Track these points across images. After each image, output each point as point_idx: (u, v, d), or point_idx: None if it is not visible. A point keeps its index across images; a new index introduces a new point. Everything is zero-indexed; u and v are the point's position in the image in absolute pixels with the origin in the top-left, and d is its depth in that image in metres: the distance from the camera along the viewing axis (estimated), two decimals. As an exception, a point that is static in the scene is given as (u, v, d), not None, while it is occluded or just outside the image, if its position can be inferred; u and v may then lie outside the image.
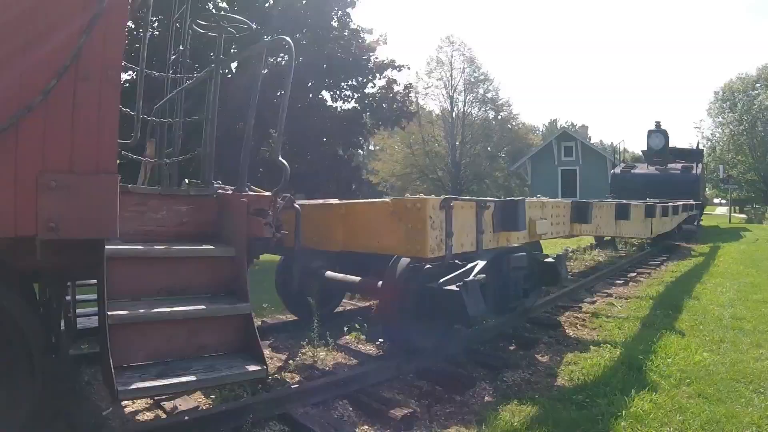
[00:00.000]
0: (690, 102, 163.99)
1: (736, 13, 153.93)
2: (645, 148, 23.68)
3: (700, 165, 22.00)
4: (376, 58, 23.91)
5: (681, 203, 14.83)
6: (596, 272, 11.89)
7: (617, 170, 22.65)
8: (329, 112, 23.14)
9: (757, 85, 47.42)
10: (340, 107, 23.54)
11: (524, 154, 42.09)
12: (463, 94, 50.32)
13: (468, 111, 51.19)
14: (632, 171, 22.24)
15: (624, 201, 10.62)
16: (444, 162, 50.45)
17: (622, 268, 12.63)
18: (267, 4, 21.72)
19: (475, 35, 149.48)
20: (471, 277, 5.00)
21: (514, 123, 54.23)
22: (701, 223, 32.84)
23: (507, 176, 49.36)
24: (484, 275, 5.26)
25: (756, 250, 16.15)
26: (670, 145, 25.82)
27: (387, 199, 4.99)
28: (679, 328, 7.13)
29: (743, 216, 44.80)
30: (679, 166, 21.60)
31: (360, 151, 27.34)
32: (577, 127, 52.48)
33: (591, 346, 6.39)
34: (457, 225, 4.69)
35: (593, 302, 8.99)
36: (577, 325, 7.58)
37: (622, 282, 10.84)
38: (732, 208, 57.88)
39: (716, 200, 69.88)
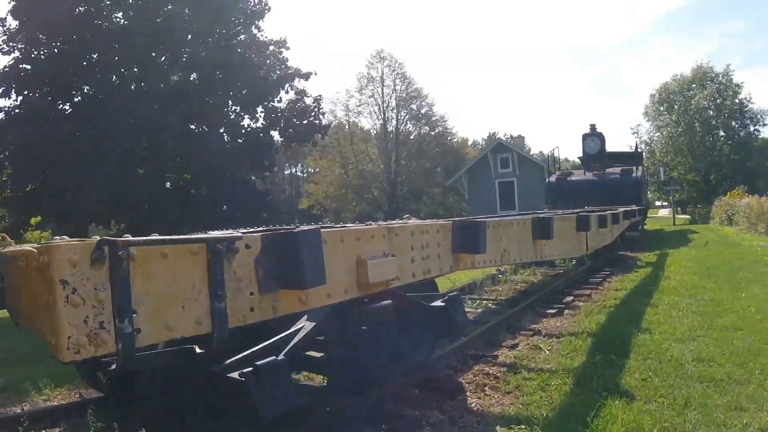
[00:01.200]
0: (629, 106, 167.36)
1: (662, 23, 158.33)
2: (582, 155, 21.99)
3: (640, 168, 20.33)
4: (283, 66, 21.68)
5: (622, 210, 12.93)
6: (526, 299, 9.81)
7: (552, 179, 20.85)
8: (232, 130, 20.75)
9: (693, 85, 47.02)
10: (247, 125, 21.13)
11: (461, 168, 40.28)
12: (396, 110, 48.46)
13: (402, 128, 49.34)
14: (568, 178, 20.45)
15: (545, 213, 8.46)
16: (379, 181, 48.31)
17: (557, 291, 10.59)
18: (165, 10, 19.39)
19: (407, 51, 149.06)
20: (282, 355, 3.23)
21: (450, 138, 52.68)
22: (645, 227, 31.71)
23: (444, 192, 47.41)
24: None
25: (708, 256, 14.33)
26: (608, 149, 24.32)
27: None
28: (625, 386, 5.02)
29: (687, 216, 44.01)
30: (618, 170, 19.89)
31: (267, 173, 24.75)
32: (513, 138, 51.04)
33: (498, 429, 4.17)
34: (157, 290, 2.33)
35: (515, 345, 6.84)
36: (486, 388, 5.41)
37: (555, 311, 8.70)
38: (675, 208, 57.63)
39: (658, 202, 69.82)
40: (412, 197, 49.65)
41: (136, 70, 19.49)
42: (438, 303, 5.11)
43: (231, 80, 20.30)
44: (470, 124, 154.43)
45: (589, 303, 9.33)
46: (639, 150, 22.31)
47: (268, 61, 21.54)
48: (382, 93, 48.56)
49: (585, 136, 21.06)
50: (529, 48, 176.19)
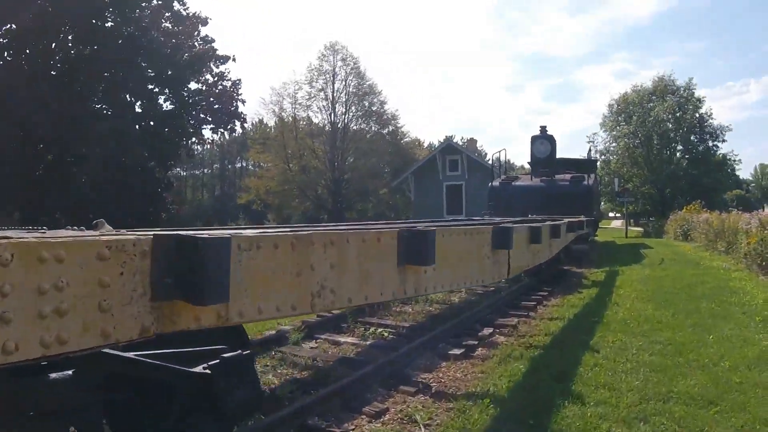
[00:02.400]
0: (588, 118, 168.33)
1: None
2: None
3: (592, 176, 18.29)
4: (205, 45, 19.05)
5: (565, 221, 10.77)
6: (434, 327, 7.58)
7: (495, 183, 18.74)
8: (137, 112, 18.06)
9: (653, 97, 45.63)
10: (152, 109, 18.44)
11: (408, 169, 38.07)
12: (346, 106, 46.02)
13: (352, 124, 46.94)
14: (513, 183, 18.36)
15: (429, 224, 6.03)
16: (324, 178, 45.79)
17: (478, 317, 8.38)
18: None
19: (365, 47, 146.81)
20: None
21: (401, 138, 50.39)
22: (596, 238, 29.93)
23: (392, 193, 45.13)
24: None
25: (664, 277, 12.28)
26: (561, 155, 22.43)
27: None
28: None
29: (640, 229, 42.69)
30: (568, 177, 17.86)
31: (171, 162, 22.05)
32: (465, 141, 49.08)
33: None
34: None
35: (380, 413, 4.58)
36: None
37: (462, 350, 6.41)
38: (628, 221, 56.51)
39: (611, 213, 68.93)
40: (359, 197, 47.25)
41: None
42: (199, 369, 2.89)
43: (136, 55, 17.58)
44: (429, 127, 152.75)
45: (512, 339, 7.08)
46: (593, 158, 20.18)
47: (182, 37, 18.85)
48: (333, 87, 46.10)
49: (534, 139, 19.00)
50: (494, 55, 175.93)
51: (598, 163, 45.10)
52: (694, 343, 6.39)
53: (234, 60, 19.35)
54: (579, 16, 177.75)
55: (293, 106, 45.73)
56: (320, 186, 46.07)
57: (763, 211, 66.66)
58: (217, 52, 18.65)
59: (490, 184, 19.30)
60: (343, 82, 46.25)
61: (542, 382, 5.16)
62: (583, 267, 15.09)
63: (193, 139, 21.98)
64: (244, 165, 66.87)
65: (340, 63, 46.42)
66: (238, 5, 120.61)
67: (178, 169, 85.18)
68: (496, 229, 5.62)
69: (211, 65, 19.24)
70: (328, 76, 46.24)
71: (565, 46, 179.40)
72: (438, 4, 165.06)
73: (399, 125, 49.65)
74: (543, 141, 18.82)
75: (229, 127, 20.52)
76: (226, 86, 19.19)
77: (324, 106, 46.14)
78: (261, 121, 50.16)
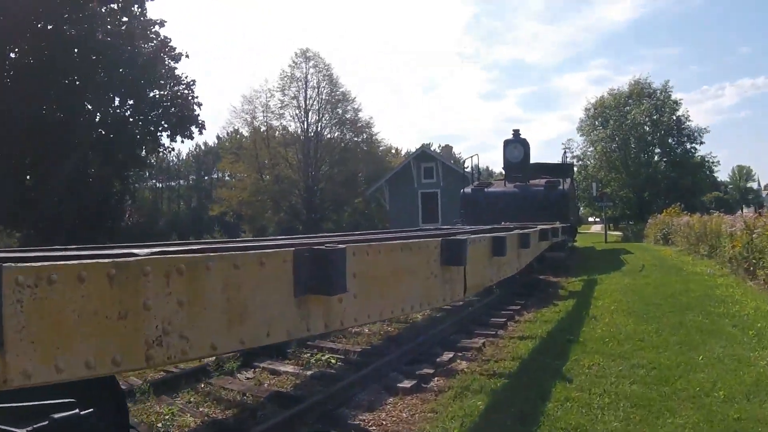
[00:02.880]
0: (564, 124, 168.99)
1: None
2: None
3: (568, 180, 17.50)
4: (163, 47, 18.05)
5: (537, 228, 9.94)
6: (386, 352, 6.67)
7: (467, 189, 17.92)
8: (87, 117, 17.00)
9: (630, 100, 45.17)
10: (104, 115, 17.38)
11: (383, 177, 37.15)
12: (319, 113, 45.07)
13: (325, 132, 46.00)
14: (486, 189, 17.54)
15: (346, 238, 5.08)
16: (298, 188, 44.73)
17: (440, 338, 7.50)
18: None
19: (336, 54, 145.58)
20: None
21: (376, 145, 49.45)
22: (575, 244, 29.20)
23: (367, 202, 44.19)
24: None
25: (646, 285, 11.46)
26: (537, 160, 21.71)
27: None
28: None
29: (619, 233, 42.14)
30: (542, 182, 17.06)
31: (128, 173, 20.92)
32: (441, 148, 48.31)
33: None
34: None
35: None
36: None
37: (411, 385, 5.51)
38: (608, 225, 56.05)
39: (591, 218, 68.55)
40: (333, 207, 46.22)
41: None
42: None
43: (91, 61, 16.56)
44: (406, 135, 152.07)
45: (475, 365, 6.18)
46: (568, 162, 19.41)
47: (139, 42, 17.84)
48: (306, 94, 45.16)
49: (507, 143, 18.21)
50: (471, 64, 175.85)
51: (576, 168, 44.64)
52: (681, 366, 5.52)
53: (187, 56, 18.31)
54: (555, 23, 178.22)
55: (265, 114, 44.73)
56: (294, 196, 45.02)
57: (742, 212, 66.71)
58: (174, 51, 17.65)
59: (462, 190, 18.47)
60: (316, 90, 45.37)
61: (502, 425, 4.25)
62: (560, 276, 14.34)
63: (154, 147, 20.85)
64: (220, 176, 65.49)
65: (312, 70, 45.57)
66: (205, 12, 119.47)
67: (154, 181, 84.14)
68: (446, 241, 4.71)
69: (167, 61, 18.17)
70: (300, 83, 45.34)
71: (542, 53, 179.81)
72: (415, 14, 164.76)
73: (374, 132, 48.82)
74: (516, 145, 18.04)
75: (186, 133, 19.41)
76: (180, 89, 18.15)
77: (297, 115, 45.20)
78: (236, 131, 49.13)
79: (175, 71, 18.59)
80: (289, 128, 46.12)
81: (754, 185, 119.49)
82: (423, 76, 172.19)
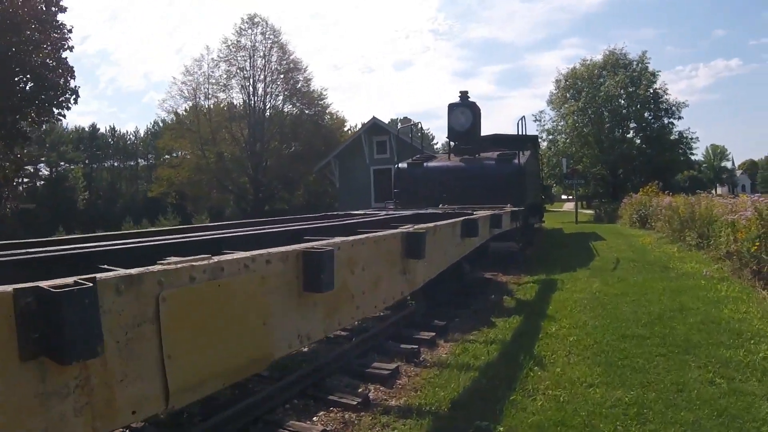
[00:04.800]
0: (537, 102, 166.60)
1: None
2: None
3: (527, 153, 14.14)
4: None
5: (460, 219, 6.64)
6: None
7: (402, 164, 14.59)
8: None
9: (604, 72, 41.64)
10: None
11: (331, 152, 33.51)
12: (266, 84, 41.16)
13: (274, 105, 42.14)
14: (426, 164, 14.19)
15: None
16: (243, 166, 40.94)
17: (296, 391, 4.14)
18: None
19: (304, 31, 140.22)
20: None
21: (328, 119, 45.58)
22: (543, 225, 26.05)
23: (321, 180, 40.55)
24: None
25: (620, 294, 8.22)
26: (495, 131, 18.38)
27: None
28: None
29: (591, 212, 39.18)
30: (494, 155, 13.77)
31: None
32: (400, 121, 44.72)
33: None
34: None
35: None
36: None
37: None
38: (581, 203, 53.15)
39: (564, 196, 65.79)
40: (282, 185, 42.49)
41: None
42: None
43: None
44: (378, 113, 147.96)
45: None
46: (527, 134, 15.90)
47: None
48: (253, 63, 41.21)
49: (452, 108, 14.79)
50: (446, 41, 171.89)
51: (545, 143, 41.34)
52: None
53: (64, 11, 14.55)
54: (531, 2, 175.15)
55: (206, 86, 40.68)
56: (240, 174, 41.26)
57: (716, 192, 64.22)
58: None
59: (395, 165, 15.13)
60: (264, 59, 41.44)
61: None
62: (513, 273, 11.17)
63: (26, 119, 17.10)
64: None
65: (260, 37, 41.59)
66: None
67: (113, 161, 78.97)
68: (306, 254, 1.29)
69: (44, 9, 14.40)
70: (247, 51, 41.36)
71: (517, 32, 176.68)
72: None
73: (327, 104, 44.98)
74: (463, 110, 14.62)
75: (60, 102, 15.70)
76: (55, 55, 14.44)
77: (244, 86, 41.26)
78: (176, 104, 45.02)
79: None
80: (235, 101, 42.15)
81: (728, 165, 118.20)
82: (396, 53, 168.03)
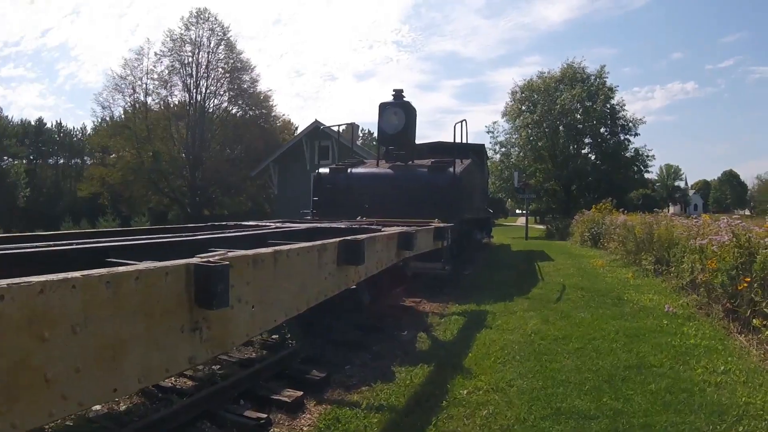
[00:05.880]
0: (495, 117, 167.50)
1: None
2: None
3: (467, 162, 12.34)
4: None
5: (380, 234, 4.85)
6: None
7: (323, 170, 12.76)
8: None
9: (561, 85, 40.37)
10: None
11: (269, 156, 31.46)
12: (208, 81, 38.78)
13: (217, 104, 39.79)
14: (350, 171, 12.33)
15: None
16: (178, 167, 38.47)
17: None
18: None
19: (263, 38, 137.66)
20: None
21: (273, 122, 43.31)
22: (491, 240, 24.46)
23: (264, 186, 38.17)
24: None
25: (562, 339, 6.46)
26: (437, 139, 16.66)
27: None
28: None
29: (544, 227, 37.91)
30: (427, 162, 12.01)
31: None
32: (346, 126, 42.86)
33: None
34: None
35: None
36: None
37: None
38: (534, 219, 52.06)
39: (518, 210, 64.73)
40: (222, 190, 40.09)
41: None
42: None
43: None
44: (337, 122, 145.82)
45: None
46: (469, 142, 13.96)
47: None
48: (197, 60, 38.82)
49: (383, 108, 12.97)
50: (408, 54, 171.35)
51: (497, 155, 39.95)
52: None
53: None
54: (493, 19, 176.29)
55: (146, 80, 38.06)
56: (177, 177, 38.72)
57: (668, 210, 64.01)
58: None
59: (315, 171, 13.27)
60: (212, 54, 39.11)
61: None
62: (438, 299, 9.34)
63: None
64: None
65: (206, 33, 39.25)
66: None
67: (58, 158, 74.91)
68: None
69: None
70: (193, 47, 38.97)
71: (479, 47, 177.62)
72: (354, 3, 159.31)
73: (272, 105, 42.74)
74: (396, 110, 12.79)
75: None
76: None
77: (186, 83, 38.79)
78: (109, 99, 42.09)
79: None
80: (176, 99, 39.60)
81: (681, 184, 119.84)
82: (359, 62, 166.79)
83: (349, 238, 4.69)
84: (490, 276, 12.33)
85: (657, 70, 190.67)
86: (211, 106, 39.43)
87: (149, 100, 38.58)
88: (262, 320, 3.15)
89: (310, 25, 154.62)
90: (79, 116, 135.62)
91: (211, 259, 2.61)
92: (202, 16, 39.39)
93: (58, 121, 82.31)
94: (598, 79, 40.29)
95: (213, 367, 5.63)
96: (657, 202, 78.43)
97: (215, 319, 2.56)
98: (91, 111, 53.08)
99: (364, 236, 5.12)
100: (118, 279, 1.93)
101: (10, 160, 67.27)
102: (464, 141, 12.44)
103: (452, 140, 12.14)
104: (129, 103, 38.17)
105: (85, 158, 74.32)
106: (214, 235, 5.35)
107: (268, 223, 7.91)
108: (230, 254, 2.88)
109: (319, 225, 7.63)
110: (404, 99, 13.04)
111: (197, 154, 37.83)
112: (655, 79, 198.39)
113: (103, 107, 37.92)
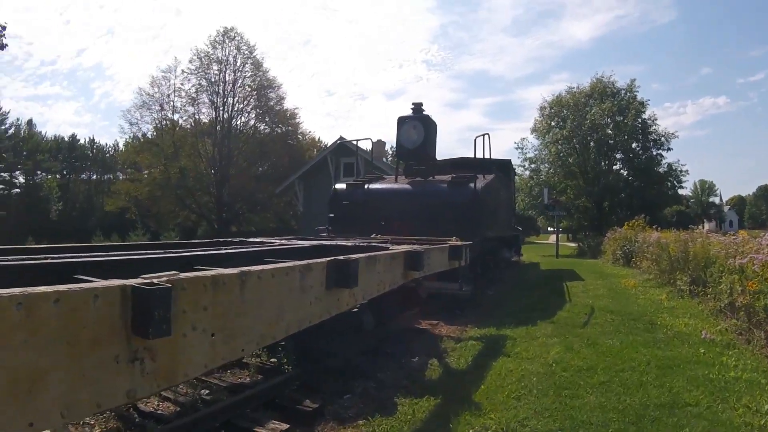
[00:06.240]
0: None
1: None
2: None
3: (490, 177, 11.77)
4: None
5: (386, 252, 4.42)
6: None
7: (341, 185, 12.36)
8: None
9: (591, 100, 39.45)
10: None
11: (295, 173, 31.27)
12: (234, 98, 38.90)
13: (244, 122, 39.89)
14: (368, 186, 11.92)
15: None
16: (205, 184, 38.53)
17: None
18: None
19: (294, 56, 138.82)
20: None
21: (299, 139, 43.19)
22: (521, 259, 23.78)
23: (286, 203, 37.93)
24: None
25: (586, 372, 5.92)
26: (461, 155, 16.12)
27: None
28: None
29: (575, 245, 36.92)
30: (447, 178, 11.52)
31: None
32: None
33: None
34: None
35: None
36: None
37: None
38: (565, 236, 50.92)
39: (550, 228, 63.49)
40: (248, 206, 40.04)
41: None
42: None
43: None
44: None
45: None
46: (493, 157, 13.06)
47: None
48: (224, 78, 38.98)
49: (402, 122, 12.52)
50: (438, 73, 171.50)
51: (527, 172, 39.17)
52: None
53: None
54: (521, 37, 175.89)
55: (174, 98, 38.27)
56: (204, 193, 38.79)
57: (703, 227, 62.36)
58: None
59: (333, 187, 12.88)
60: (239, 73, 39.26)
61: None
62: (456, 322, 8.80)
63: None
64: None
65: (234, 51, 39.43)
66: None
67: (91, 173, 76.01)
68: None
69: None
70: (221, 65, 39.16)
71: (507, 66, 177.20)
72: (383, 21, 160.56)
73: (298, 122, 42.70)
74: (415, 124, 12.33)
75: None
76: None
77: (213, 101, 38.94)
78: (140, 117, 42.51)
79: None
80: (202, 116, 39.76)
81: (716, 200, 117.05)
82: (389, 82, 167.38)
83: (341, 258, 4.23)
84: (514, 297, 11.73)
85: (687, 85, 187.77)
86: (238, 123, 39.54)
87: (177, 117, 38.79)
88: (226, 350, 2.73)
89: (340, 45, 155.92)
90: (112, 134, 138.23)
91: (155, 281, 2.20)
92: (228, 35, 39.62)
93: (91, 137, 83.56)
94: (628, 93, 39.30)
95: (201, 391, 5.24)
96: (691, 219, 76.63)
97: (161, 349, 2.22)
98: (119, 127, 53.93)
99: (359, 256, 4.67)
100: (32, 301, 1.73)
101: (44, 174, 68.56)
102: (488, 156, 11.90)
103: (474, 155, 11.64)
104: (157, 121, 38.43)
105: (118, 174, 75.40)
106: (204, 252, 4.96)
107: (273, 240, 7.52)
108: (182, 275, 2.47)
109: (325, 242, 7.20)
110: (424, 112, 12.58)
111: (224, 170, 37.86)
112: (685, 95, 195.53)
113: (131, 124, 38.16)
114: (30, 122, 71.79)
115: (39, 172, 67.79)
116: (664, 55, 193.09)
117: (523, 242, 31.98)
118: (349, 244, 6.98)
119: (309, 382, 5.59)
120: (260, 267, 3.24)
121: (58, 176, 69.15)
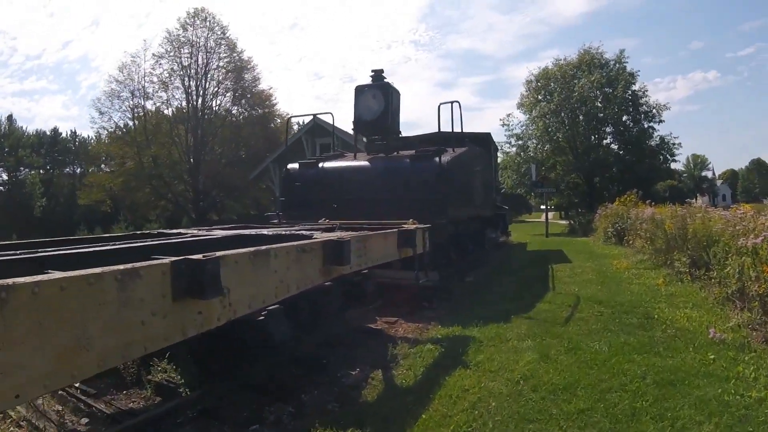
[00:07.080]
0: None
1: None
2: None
3: (461, 150, 10.32)
4: None
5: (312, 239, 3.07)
6: None
7: (293, 165, 10.99)
8: None
9: (578, 72, 37.78)
10: None
11: (269, 157, 29.79)
12: (206, 82, 37.19)
13: (219, 105, 38.21)
14: (322, 165, 10.54)
15: None
16: (180, 171, 36.96)
17: None
18: None
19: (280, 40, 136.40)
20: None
21: (276, 121, 41.44)
22: (509, 239, 22.59)
23: (265, 188, 36.46)
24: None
25: (561, 389, 4.63)
26: (434, 129, 14.50)
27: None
28: None
29: (566, 223, 35.63)
30: (410, 152, 10.12)
31: None
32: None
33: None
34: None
35: None
36: None
37: None
38: (558, 214, 49.71)
39: (543, 206, 62.25)
40: (225, 193, 38.50)
41: None
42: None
43: None
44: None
45: None
46: (464, 130, 11.33)
47: None
48: (197, 61, 37.24)
49: (359, 91, 11.08)
50: (427, 53, 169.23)
51: (513, 148, 37.76)
52: None
53: None
54: (510, 14, 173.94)
55: (145, 84, 36.49)
56: (180, 182, 37.23)
57: (696, 202, 61.22)
58: None
59: (286, 167, 11.52)
60: (212, 55, 37.52)
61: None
62: (419, 319, 7.44)
63: None
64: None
65: (206, 32, 37.65)
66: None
67: (74, 167, 74.12)
68: None
69: None
70: (192, 48, 37.38)
71: (497, 44, 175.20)
72: (371, 3, 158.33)
73: (273, 103, 40.98)
74: (375, 93, 10.92)
75: None
76: None
77: (186, 85, 37.21)
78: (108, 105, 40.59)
79: None
80: (176, 101, 38.00)
81: (709, 174, 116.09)
82: (377, 63, 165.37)
83: (192, 257, 2.84)
84: (492, 285, 10.38)
85: (677, 60, 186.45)
86: (214, 106, 37.85)
87: (149, 104, 37.06)
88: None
89: (327, 28, 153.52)
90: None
91: None
92: (199, 16, 37.76)
93: (73, 130, 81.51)
94: (617, 65, 37.69)
95: (77, 417, 3.97)
96: (684, 194, 75.46)
97: None
98: (89, 118, 51.55)
99: (242, 251, 3.32)
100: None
101: (27, 170, 66.80)
102: (459, 128, 10.48)
103: (451, 129, 10.25)
104: (128, 108, 36.69)
105: (101, 166, 73.66)
106: (67, 251, 3.73)
107: (190, 231, 6.25)
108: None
109: (243, 232, 5.87)
110: (385, 80, 11.14)
111: (198, 157, 36.27)
112: (675, 69, 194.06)
113: (102, 113, 36.39)
114: (10, 117, 69.75)
115: (22, 168, 66.11)
116: (655, 30, 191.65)
117: (512, 221, 30.65)
118: (269, 233, 5.64)
119: (213, 408, 4.29)
120: (41, 276, 1.95)
121: (41, 171, 67.34)
